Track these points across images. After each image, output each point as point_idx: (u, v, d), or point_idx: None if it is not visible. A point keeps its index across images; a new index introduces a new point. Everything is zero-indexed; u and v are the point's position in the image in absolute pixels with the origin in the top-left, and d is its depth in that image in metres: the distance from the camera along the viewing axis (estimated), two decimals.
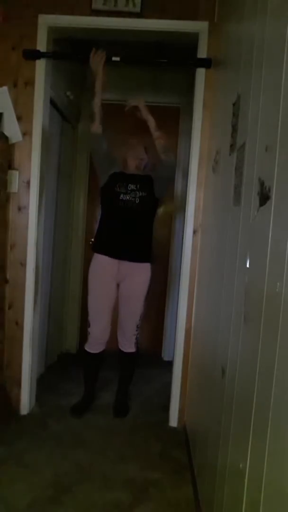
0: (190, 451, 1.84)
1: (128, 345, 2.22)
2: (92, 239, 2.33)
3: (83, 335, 2.61)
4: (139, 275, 2.16)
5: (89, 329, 2.19)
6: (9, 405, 2.13)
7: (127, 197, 2.06)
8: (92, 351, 2.20)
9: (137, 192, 2.08)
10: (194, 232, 2.08)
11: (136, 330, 2.22)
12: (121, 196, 2.07)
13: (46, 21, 2.02)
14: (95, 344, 2.19)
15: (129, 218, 2.08)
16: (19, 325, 2.14)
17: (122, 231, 2.10)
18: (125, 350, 2.24)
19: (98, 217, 2.25)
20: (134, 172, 2.17)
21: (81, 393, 2.29)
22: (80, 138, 3.08)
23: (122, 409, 2.24)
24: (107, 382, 2.52)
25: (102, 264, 2.14)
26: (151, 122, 2.06)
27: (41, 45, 2.03)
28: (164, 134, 2.08)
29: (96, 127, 2.06)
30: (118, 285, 2.19)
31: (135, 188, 2.09)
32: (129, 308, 2.19)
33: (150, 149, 2.21)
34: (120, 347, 2.25)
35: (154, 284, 3.20)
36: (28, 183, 2.09)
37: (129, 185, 2.09)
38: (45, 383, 2.46)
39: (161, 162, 2.08)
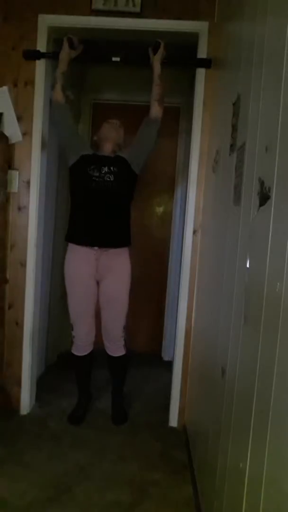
0: (190, 451, 1.84)
1: (116, 349, 2.11)
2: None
3: None
4: (120, 269, 2.02)
5: (73, 333, 2.10)
6: (9, 405, 2.13)
7: (101, 179, 1.93)
8: (80, 354, 2.12)
9: (112, 174, 1.94)
10: (194, 232, 2.08)
11: (123, 332, 2.10)
12: (94, 178, 1.93)
13: (46, 21, 2.02)
14: (82, 347, 2.11)
15: (104, 200, 1.93)
16: (19, 325, 2.14)
17: (97, 215, 1.95)
18: (114, 355, 2.12)
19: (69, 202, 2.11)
20: (108, 155, 2.03)
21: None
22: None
23: (120, 417, 2.16)
24: (107, 382, 2.51)
25: (78, 259, 2.00)
26: (157, 69, 1.94)
27: (41, 45, 2.03)
28: (164, 85, 1.96)
29: (58, 94, 1.94)
30: (97, 283, 2.06)
31: (108, 171, 1.95)
32: (112, 311, 2.06)
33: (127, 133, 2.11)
34: (108, 352, 2.12)
35: (154, 284, 3.22)
36: (28, 183, 2.09)
37: (102, 167, 1.95)
38: (45, 383, 2.46)
39: (147, 120, 1.97)
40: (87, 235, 1.97)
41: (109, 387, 2.42)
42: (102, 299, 2.07)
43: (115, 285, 2.04)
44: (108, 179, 1.93)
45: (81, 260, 2.00)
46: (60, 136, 2.08)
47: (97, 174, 1.93)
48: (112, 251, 1.99)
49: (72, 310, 2.08)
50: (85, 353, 2.12)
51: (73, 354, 2.14)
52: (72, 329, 2.10)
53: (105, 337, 2.12)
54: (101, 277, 2.03)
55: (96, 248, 1.97)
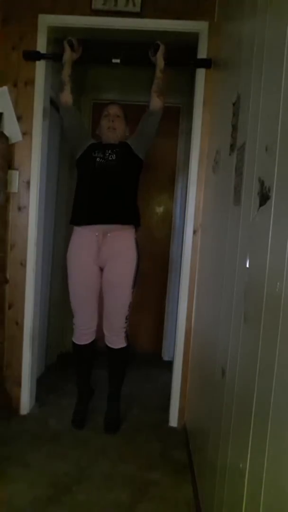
0: (190, 451, 1.84)
1: (117, 340, 2.01)
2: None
3: None
4: (125, 254, 1.96)
5: (74, 320, 2.04)
6: (9, 405, 2.13)
7: (104, 160, 1.95)
8: (80, 343, 2.04)
9: (115, 154, 1.97)
10: (194, 232, 2.08)
11: (125, 322, 2.01)
12: (98, 159, 1.95)
13: (46, 21, 2.02)
14: (83, 335, 2.03)
15: (107, 179, 1.94)
16: (19, 325, 2.14)
17: (101, 193, 1.94)
18: (114, 347, 2.02)
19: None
20: (113, 142, 2.05)
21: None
22: None
23: (112, 425, 2.02)
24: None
25: (81, 243, 1.96)
26: (160, 64, 1.95)
27: (41, 45, 2.03)
28: (164, 78, 1.97)
29: (66, 96, 1.96)
30: (101, 270, 2.00)
31: (112, 152, 1.98)
32: (115, 296, 1.97)
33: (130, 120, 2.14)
34: (107, 343, 2.03)
35: (154, 284, 3.22)
36: (28, 183, 2.09)
37: (106, 150, 1.98)
38: (45, 383, 2.46)
39: (148, 111, 1.98)
40: (90, 213, 1.94)
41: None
42: (105, 286, 1.99)
43: (119, 270, 1.96)
44: (111, 159, 1.96)
45: (84, 244, 1.96)
46: (69, 135, 2.09)
47: (101, 156, 1.97)
48: (117, 232, 1.93)
49: (72, 296, 2.02)
50: (86, 342, 2.05)
51: (73, 343, 2.08)
52: (73, 316, 2.05)
53: (105, 326, 2.04)
54: (105, 262, 1.96)
55: (99, 227, 1.91)
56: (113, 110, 2.08)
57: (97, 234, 1.94)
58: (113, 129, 2.04)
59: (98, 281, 2.01)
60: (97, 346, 2.13)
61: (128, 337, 2.07)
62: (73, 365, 2.19)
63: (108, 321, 2.02)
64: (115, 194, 1.94)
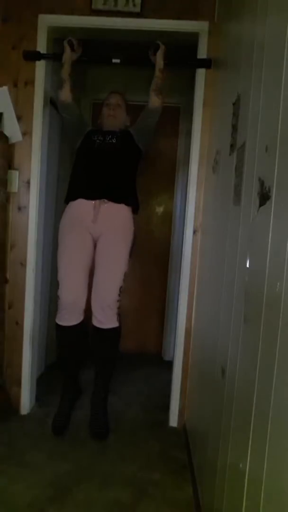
0: (190, 451, 1.84)
1: (107, 318, 1.72)
2: None
3: None
4: (122, 227, 1.84)
5: (58, 292, 1.76)
6: (9, 405, 2.13)
7: (104, 143, 1.97)
8: (63, 324, 1.74)
9: (115, 138, 1.99)
10: (194, 232, 2.08)
11: (119, 296, 1.76)
12: (98, 141, 1.97)
13: (46, 21, 2.02)
14: (67, 313, 1.74)
15: (106, 159, 1.93)
16: (19, 325, 2.14)
17: (98, 171, 1.91)
18: (104, 327, 1.73)
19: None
20: (113, 129, 2.07)
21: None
22: None
23: (99, 429, 1.76)
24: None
25: (74, 211, 1.86)
26: (159, 64, 1.96)
27: (41, 45, 2.03)
28: (163, 77, 1.98)
29: (66, 95, 1.98)
30: (95, 246, 1.85)
31: (112, 137, 2.00)
32: (108, 267, 1.74)
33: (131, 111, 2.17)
34: (95, 324, 1.76)
35: (154, 283, 3.22)
36: (28, 183, 2.09)
37: (107, 135, 2.01)
38: (45, 383, 2.46)
39: (147, 109, 2.00)
40: (87, 188, 1.88)
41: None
42: (98, 257, 1.80)
43: (115, 236, 1.81)
44: (110, 142, 1.98)
45: (78, 215, 1.85)
46: (70, 128, 2.12)
47: (101, 139, 1.99)
48: (113, 209, 1.84)
49: (60, 262, 1.81)
50: (71, 324, 1.75)
51: (56, 325, 1.77)
52: (58, 288, 1.79)
53: (95, 302, 1.76)
54: (99, 233, 1.82)
55: (94, 202, 1.83)
56: (114, 99, 2.11)
57: (93, 207, 1.82)
58: (113, 117, 2.07)
59: (90, 254, 1.83)
60: (88, 334, 1.85)
61: (120, 316, 1.81)
62: (57, 348, 1.86)
63: (98, 294, 1.76)
64: (113, 173, 1.93)
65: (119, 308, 1.80)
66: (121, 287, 1.79)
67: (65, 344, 1.82)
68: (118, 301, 1.78)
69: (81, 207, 1.87)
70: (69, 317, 1.77)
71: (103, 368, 1.85)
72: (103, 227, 1.84)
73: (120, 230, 1.86)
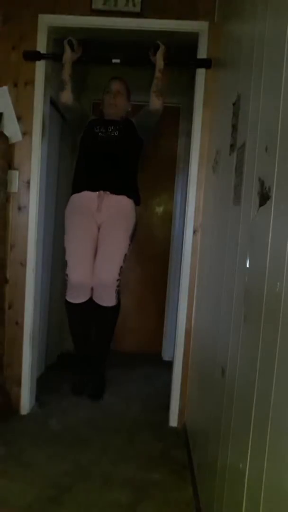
0: (190, 451, 1.84)
1: (107, 296, 1.86)
2: None
3: None
4: (124, 216, 1.98)
5: (67, 271, 1.92)
6: (9, 405, 2.13)
7: (107, 136, 2.01)
8: (74, 301, 1.90)
9: (117, 130, 2.02)
10: (194, 232, 2.08)
11: (119, 275, 1.88)
12: (100, 133, 2.02)
13: (46, 21, 2.02)
14: (76, 291, 1.90)
15: (109, 151, 1.99)
16: (19, 325, 2.14)
17: (101, 163, 1.99)
18: (104, 304, 1.89)
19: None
20: (115, 118, 2.10)
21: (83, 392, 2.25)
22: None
23: (94, 392, 1.97)
24: (108, 384, 2.52)
25: (79, 200, 2.01)
26: (159, 64, 1.98)
27: (41, 45, 2.03)
28: (163, 78, 1.99)
29: (67, 97, 2.02)
30: (98, 230, 1.99)
31: (114, 128, 2.03)
32: (109, 247, 1.88)
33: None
34: (95, 300, 1.90)
35: (154, 283, 3.22)
36: (28, 183, 2.09)
37: (109, 126, 2.04)
38: (45, 383, 2.46)
39: (147, 109, 2.02)
40: (90, 180, 1.99)
41: (108, 389, 2.41)
42: (100, 240, 1.94)
43: (115, 225, 1.96)
44: (113, 134, 2.01)
45: (83, 200, 1.99)
46: (73, 124, 2.18)
47: (103, 131, 2.02)
48: (116, 199, 1.98)
49: (68, 243, 1.96)
50: (80, 301, 1.91)
51: (66, 302, 1.94)
52: (67, 268, 1.93)
53: (96, 280, 1.89)
54: (103, 220, 1.98)
55: (98, 193, 1.97)
56: (115, 86, 2.13)
57: (97, 197, 1.97)
58: (115, 105, 2.10)
59: (95, 234, 1.96)
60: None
61: (119, 295, 1.94)
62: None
63: (99, 273, 1.89)
64: (115, 166, 1.99)
65: (119, 286, 1.92)
66: (121, 267, 1.90)
67: (75, 320, 1.96)
68: (118, 280, 1.90)
69: (86, 197, 2.01)
70: (77, 294, 1.91)
71: (102, 339, 2.01)
72: (107, 214, 1.97)
73: (121, 216, 2.00)
